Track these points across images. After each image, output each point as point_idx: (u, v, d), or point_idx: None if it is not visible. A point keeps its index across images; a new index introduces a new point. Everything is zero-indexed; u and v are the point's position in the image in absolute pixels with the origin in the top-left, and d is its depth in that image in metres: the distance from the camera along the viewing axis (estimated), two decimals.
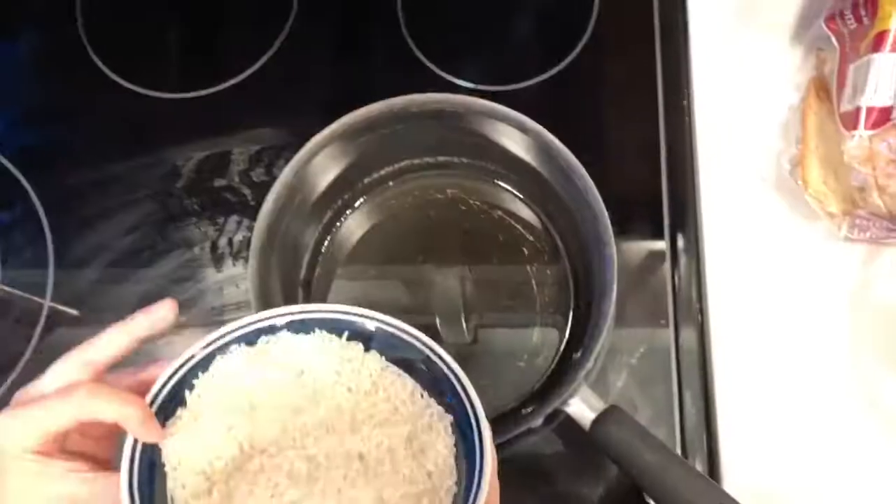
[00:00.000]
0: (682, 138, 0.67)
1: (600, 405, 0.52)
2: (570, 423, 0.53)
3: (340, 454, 0.39)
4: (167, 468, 0.39)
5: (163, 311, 0.43)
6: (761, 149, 0.65)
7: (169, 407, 0.40)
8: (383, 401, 0.40)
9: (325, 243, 0.63)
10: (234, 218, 0.68)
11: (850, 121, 0.57)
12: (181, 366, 0.40)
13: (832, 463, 0.57)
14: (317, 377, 0.41)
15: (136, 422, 0.38)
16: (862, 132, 0.56)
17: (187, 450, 0.39)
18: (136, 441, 0.38)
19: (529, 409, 0.51)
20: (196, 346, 0.41)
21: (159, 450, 0.39)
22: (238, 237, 0.67)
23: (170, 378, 0.40)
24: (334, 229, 0.63)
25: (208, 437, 0.39)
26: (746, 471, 0.57)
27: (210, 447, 0.39)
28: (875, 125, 0.56)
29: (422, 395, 0.41)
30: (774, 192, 0.64)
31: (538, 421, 0.52)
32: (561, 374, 0.57)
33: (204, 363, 0.41)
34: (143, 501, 0.37)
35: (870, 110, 0.56)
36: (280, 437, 0.39)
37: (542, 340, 0.60)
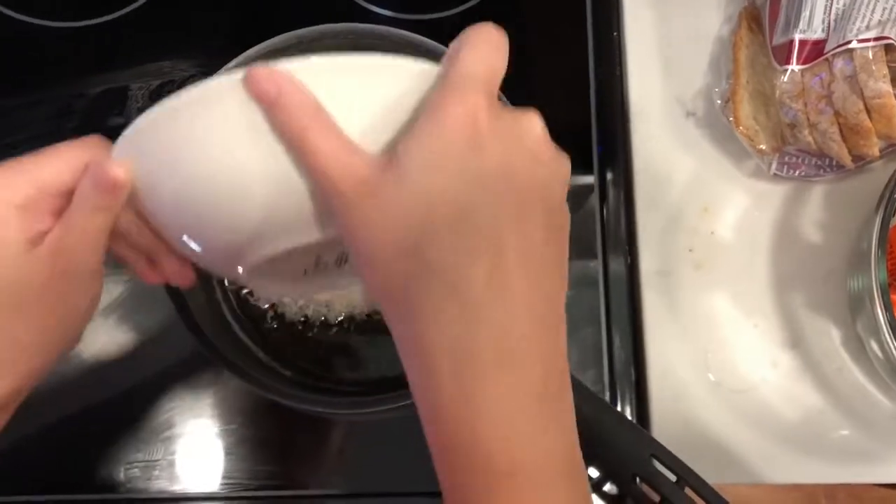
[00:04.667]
0: (612, 72, 0.65)
1: None
2: None
3: None
4: None
5: None
6: (692, 83, 0.64)
7: None
8: None
9: None
10: None
11: (783, 54, 0.55)
12: None
13: (759, 401, 0.57)
14: None
15: None
16: (794, 66, 0.54)
17: None
18: None
19: None
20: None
21: None
22: None
23: None
24: None
25: None
26: (676, 413, 0.57)
27: None
28: (808, 59, 0.54)
29: None
30: (704, 128, 0.63)
31: None
32: None
33: None
34: None
35: (803, 43, 0.54)
36: None
37: None
